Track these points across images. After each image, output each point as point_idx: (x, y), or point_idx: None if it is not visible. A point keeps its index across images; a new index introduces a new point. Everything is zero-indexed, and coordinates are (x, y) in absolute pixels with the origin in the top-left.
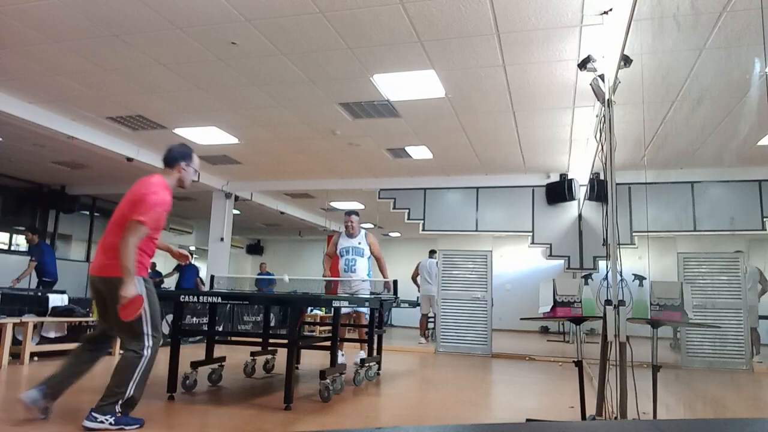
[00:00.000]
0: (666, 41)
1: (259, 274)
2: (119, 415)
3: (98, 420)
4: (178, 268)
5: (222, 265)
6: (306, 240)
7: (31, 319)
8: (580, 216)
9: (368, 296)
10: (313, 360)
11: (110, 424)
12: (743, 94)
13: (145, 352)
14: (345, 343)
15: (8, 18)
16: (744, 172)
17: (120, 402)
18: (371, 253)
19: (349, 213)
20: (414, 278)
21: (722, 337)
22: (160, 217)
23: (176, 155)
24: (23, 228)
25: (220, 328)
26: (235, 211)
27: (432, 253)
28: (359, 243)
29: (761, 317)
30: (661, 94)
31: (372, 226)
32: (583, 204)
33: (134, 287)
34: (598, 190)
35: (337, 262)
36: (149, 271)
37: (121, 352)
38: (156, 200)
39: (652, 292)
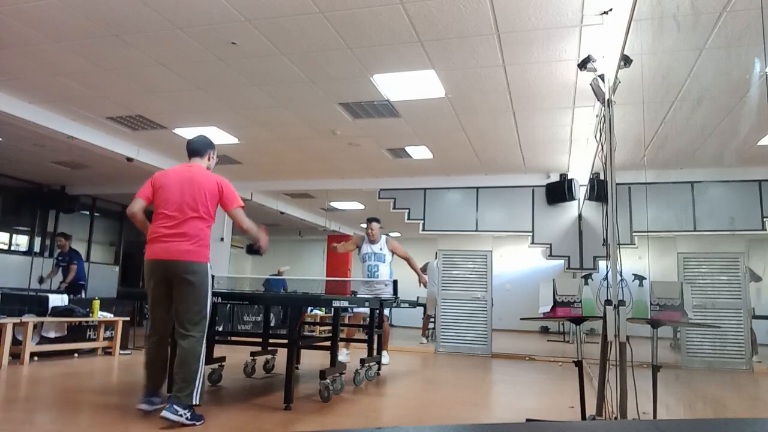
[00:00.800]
0: (666, 41)
1: (270, 275)
2: (193, 410)
3: (178, 413)
4: None
5: (222, 265)
6: (306, 240)
7: (31, 319)
8: (580, 216)
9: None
10: (313, 360)
11: (186, 419)
12: (743, 94)
13: (204, 333)
14: (347, 343)
15: (8, 18)
16: (744, 172)
17: (195, 392)
18: (398, 256)
19: (371, 220)
20: (424, 271)
21: (722, 337)
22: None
23: (204, 145)
24: (27, 228)
25: (220, 328)
26: None
27: None
28: (380, 249)
29: (758, 317)
30: (661, 94)
31: None
32: (583, 204)
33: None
34: (598, 190)
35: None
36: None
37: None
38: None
39: (652, 292)
